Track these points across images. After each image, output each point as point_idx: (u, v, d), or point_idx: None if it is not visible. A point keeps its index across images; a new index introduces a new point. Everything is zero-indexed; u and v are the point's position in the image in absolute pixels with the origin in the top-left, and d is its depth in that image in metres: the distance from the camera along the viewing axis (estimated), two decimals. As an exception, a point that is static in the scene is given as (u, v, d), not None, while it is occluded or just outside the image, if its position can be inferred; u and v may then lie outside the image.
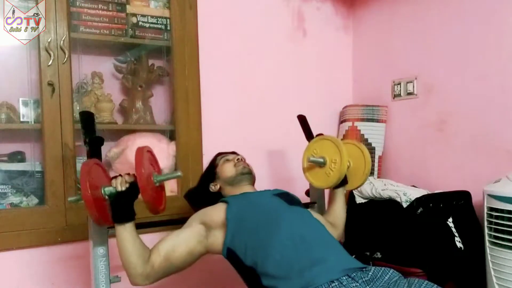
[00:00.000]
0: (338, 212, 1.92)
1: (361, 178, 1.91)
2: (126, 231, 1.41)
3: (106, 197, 1.38)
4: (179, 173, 1.52)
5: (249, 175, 1.80)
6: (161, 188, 1.55)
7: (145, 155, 1.43)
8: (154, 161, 1.54)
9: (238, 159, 1.83)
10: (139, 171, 1.36)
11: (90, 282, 1.61)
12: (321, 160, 1.85)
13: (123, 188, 1.38)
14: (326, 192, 2.15)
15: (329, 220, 1.89)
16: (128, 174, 1.42)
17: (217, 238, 1.57)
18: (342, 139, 2.63)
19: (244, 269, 1.53)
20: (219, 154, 1.91)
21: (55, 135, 1.89)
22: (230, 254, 1.55)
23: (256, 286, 1.48)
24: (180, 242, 1.53)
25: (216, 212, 1.61)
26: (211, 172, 1.86)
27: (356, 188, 2.03)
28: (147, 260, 1.45)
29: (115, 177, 1.42)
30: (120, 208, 1.39)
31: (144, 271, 1.43)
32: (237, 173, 1.78)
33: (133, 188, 1.38)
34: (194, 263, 1.58)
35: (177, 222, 1.98)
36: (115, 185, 1.39)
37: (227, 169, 1.80)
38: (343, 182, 1.88)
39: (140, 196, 1.41)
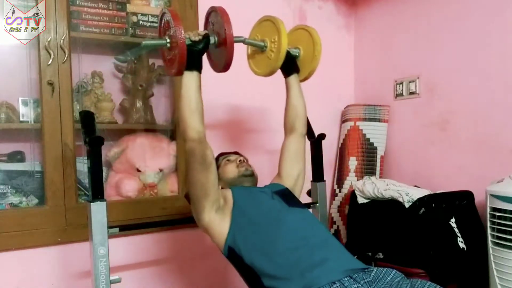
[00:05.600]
0: (296, 103, 1.87)
1: (312, 61, 1.83)
2: (193, 80, 1.53)
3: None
4: (263, 43, 1.74)
5: (251, 177, 1.79)
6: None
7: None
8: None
9: (240, 160, 1.82)
10: (229, 30, 1.53)
11: (90, 283, 1.60)
12: (260, 42, 1.79)
13: (197, 38, 1.54)
14: (328, 192, 2.14)
15: (291, 114, 1.87)
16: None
17: (221, 224, 1.56)
18: (343, 143, 2.62)
19: (244, 269, 1.52)
20: (221, 154, 1.90)
21: (55, 135, 1.89)
22: (231, 254, 1.54)
23: (257, 287, 1.47)
24: (215, 178, 1.59)
25: (228, 194, 1.64)
26: None
27: (309, 74, 1.88)
28: (204, 129, 1.54)
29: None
30: (193, 56, 1.53)
31: (201, 130, 1.52)
32: (239, 174, 1.77)
33: (205, 40, 1.56)
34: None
35: (177, 222, 1.98)
36: (189, 36, 1.53)
37: (229, 170, 1.79)
38: (293, 68, 1.85)
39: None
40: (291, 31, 1.86)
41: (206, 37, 1.56)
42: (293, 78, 1.87)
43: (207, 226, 1.58)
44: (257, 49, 1.83)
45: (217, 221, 1.57)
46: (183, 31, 1.48)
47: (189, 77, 1.53)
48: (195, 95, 1.52)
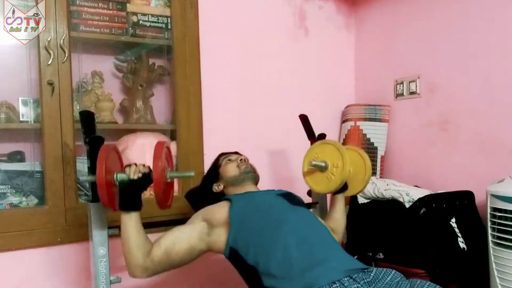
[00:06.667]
0: (338, 218, 1.91)
1: (360, 184, 1.90)
2: (131, 220, 1.43)
3: (117, 183, 1.42)
4: (192, 173, 1.57)
5: (252, 173, 1.79)
6: (171, 185, 1.58)
7: (164, 150, 1.47)
8: (170, 158, 1.58)
9: (241, 159, 1.82)
10: (156, 164, 1.40)
11: (90, 283, 1.60)
12: (323, 164, 1.84)
13: (136, 177, 1.41)
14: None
15: (330, 226, 1.88)
16: (143, 165, 1.45)
17: (219, 237, 1.56)
18: (343, 143, 2.62)
19: (246, 269, 1.52)
20: (222, 154, 1.90)
21: (55, 135, 1.88)
22: (232, 254, 1.54)
23: (257, 287, 1.47)
24: (182, 238, 1.53)
25: (219, 210, 1.60)
26: (214, 172, 1.85)
27: (356, 194, 2.03)
28: (148, 252, 1.46)
29: (129, 165, 1.45)
30: (129, 196, 1.43)
31: (143, 263, 1.45)
32: (241, 172, 1.77)
33: (145, 179, 1.42)
34: (195, 260, 1.57)
35: (177, 223, 1.97)
36: (128, 173, 1.42)
37: (230, 169, 1.79)
38: (344, 187, 1.87)
39: (146, 192, 1.41)
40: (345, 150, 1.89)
41: (146, 175, 1.42)
42: (341, 196, 1.92)
43: (209, 249, 1.59)
44: (316, 169, 1.87)
45: (214, 238, 1.57)
46: (103, 170, 1.33)
47: (125, 218, 1.42)
48: (135, 237, 1.42)
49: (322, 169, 1.85)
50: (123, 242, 1.45)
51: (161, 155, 1.44)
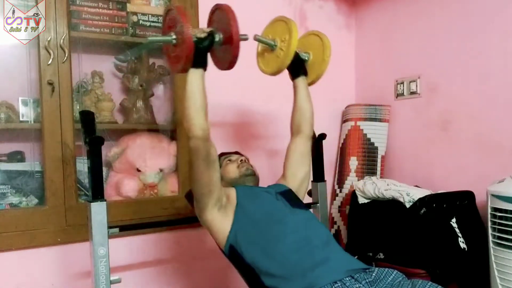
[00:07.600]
0: (303, 106, 1.86)
1: (321, 64, 1.84)
2: (198, 76, 1.52)
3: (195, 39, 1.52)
4: (273, 43, 1.76)
5: (252, 176, 1.79)
6: None
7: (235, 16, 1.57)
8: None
9: (241, 160, 1.82)
10: (234, 25, 1.53)
11: (90, 283, 1.60)
12: (270, 40, 1.80)
13: (203, 36, 1.53)
14: (329, 192, 2.14)
15: (297, 118, 1.87)
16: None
17: (223, 222, 1.57)
18: (343, 143, 2.62)
19: (245, 268, 1.52)
20: (222, 154, 1.90)
21: (55, 135, 1.88)
22: (232, 252, 1.54)
23: (257, 286, 1.47)
24: (219, 176, 1.59)
25: (231, 192, 1.64)
26: None
27: (317, 78, 1.90)
28: (209, 127, 1.54)
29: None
30: (198, 53, 1.52)
31: (206, 127, 1.51)
32: (241, 174, 1.77)
33: (211, 38, 1.55)
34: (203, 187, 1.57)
35: (177, 223, 1.98)
36: (195, 33, 1.52)
37: (231, 170, 1.79)
38: (301, 71, 1.85)
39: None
40: (303, 36, 1.88)
41: (211, 35, 1.55)
42: (301, 80, 1.86)
43: (209, 224, 1.58)
44: (267, 48, 1.83)
45: (219, 219, 1.57)
46: (190, 28, 1.48)
47: (194, 74, 1.52)
48: (201, 93, 1.52)
49: (271, 46, 1.80)
50: (188, 99, 1.51)
51: (237, 21, 1.54)
